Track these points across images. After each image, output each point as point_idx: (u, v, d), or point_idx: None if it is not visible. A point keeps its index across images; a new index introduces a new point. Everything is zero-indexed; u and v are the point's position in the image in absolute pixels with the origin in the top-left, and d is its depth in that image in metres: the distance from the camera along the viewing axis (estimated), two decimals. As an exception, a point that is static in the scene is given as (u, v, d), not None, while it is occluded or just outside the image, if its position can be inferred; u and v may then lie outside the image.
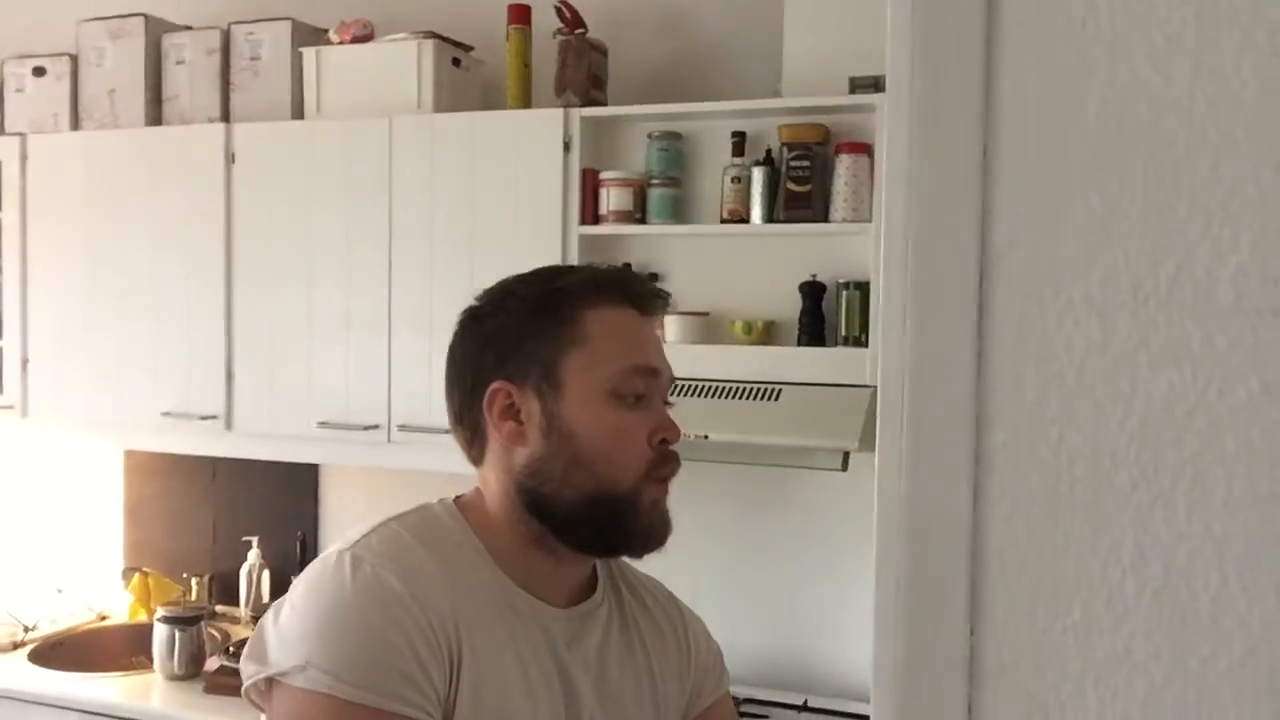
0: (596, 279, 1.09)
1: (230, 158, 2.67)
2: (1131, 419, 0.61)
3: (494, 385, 1.06)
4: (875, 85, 2.19)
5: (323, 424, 2.57)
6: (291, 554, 2.86)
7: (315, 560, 1.04)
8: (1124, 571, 0.62)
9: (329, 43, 2.66)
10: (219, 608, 2.96)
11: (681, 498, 1.10)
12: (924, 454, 0.66)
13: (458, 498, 1.12)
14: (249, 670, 0.99)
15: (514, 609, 1.05)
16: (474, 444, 1.10)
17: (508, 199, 2.44)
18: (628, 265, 1.15)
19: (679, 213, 2.43)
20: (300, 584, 1.02)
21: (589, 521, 1.05)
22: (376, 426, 2.53)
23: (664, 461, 1.06)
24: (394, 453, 2.55)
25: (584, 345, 1.05)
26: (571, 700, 1.07)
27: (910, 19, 0.66)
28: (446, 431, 2.42)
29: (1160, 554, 0.61)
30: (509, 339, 1.06)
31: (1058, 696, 0.64)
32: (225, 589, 2.98)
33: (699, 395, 2.27)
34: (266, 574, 2.90)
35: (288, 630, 0.98)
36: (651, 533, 1.06)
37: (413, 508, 1.09)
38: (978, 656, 0.66)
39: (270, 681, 0.97)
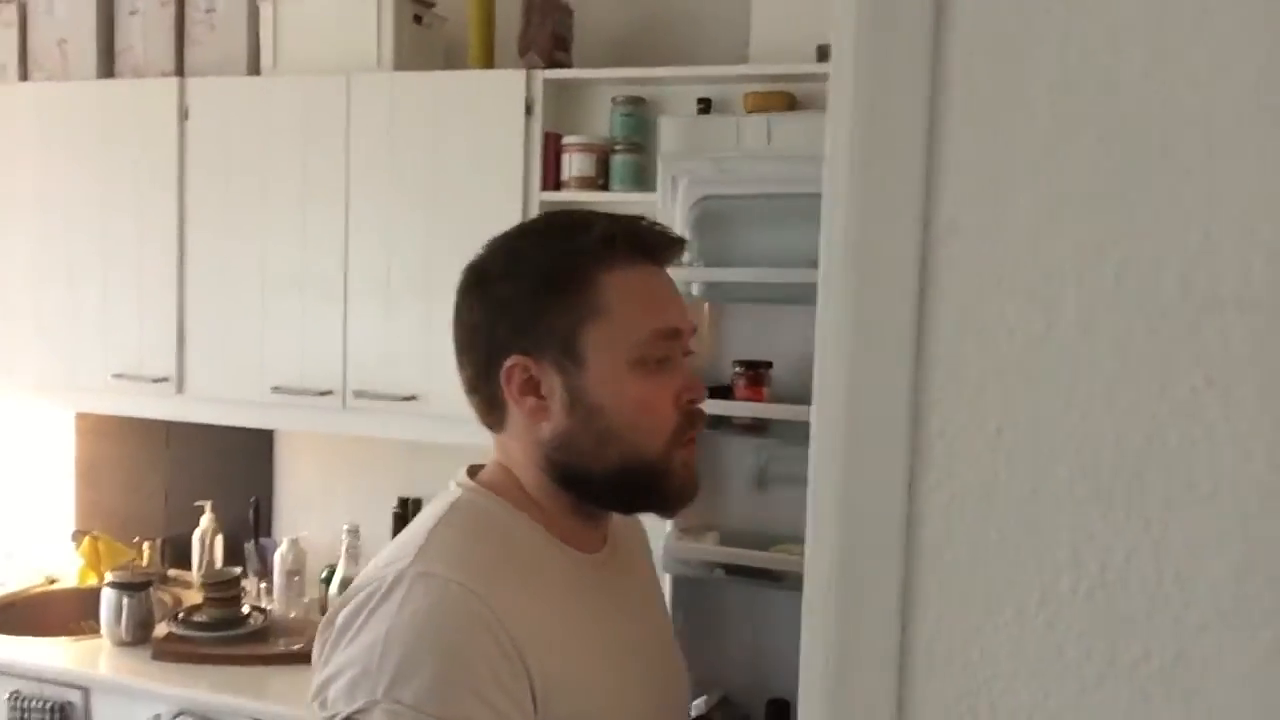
0: (611, 236, 1.01)
1: (184, 113, 2.60)
2: (1072, 412, 0.59)
3: (510, 360, 1.00)
4: (842, 54, 2.15)
5: (276, 389, 2.53)
6: (245, 519, 2.82)
7: (364, 584, 0.96)
8: (1059, 569, 0.60)
9: (287, -4, 2.59)
10: (171, 572, 2.92)
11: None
12: (859, 442, 0.64)
13: (474, 475, 1.07)
14: (318, 714, 0.93)
15: (580, 572, 1.05)
16: (491, 413, 1.05)
17: (468, 162, 2.40)
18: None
19: (643, 180, 2.40)
20: (354, 610, 0.95)
21: (623, 489, 1.03)
22: (331, 393, 2.49)
23: (692, 422, 1.03)
24: (350, 419, 2.51)
25: (604, 314, 0.99)
26: (628, 636, 1.08)
27: (856, -11, 0.63)
28: (403, 399, 2.42)
29: (1096, 552, 0.59)
30: (523, 310, 1.00)
31: (989, 695, 0.62)
32: (178, 553, 2.94)
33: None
34: (219, 539, 2.86)
35: (350, 664, 0.92)
36: (684, 492, 1.04)
37: (446, 507, 1.04)
38: (908, 652, 0.64)
39: None
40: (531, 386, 1.01)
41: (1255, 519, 0.55)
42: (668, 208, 2.04)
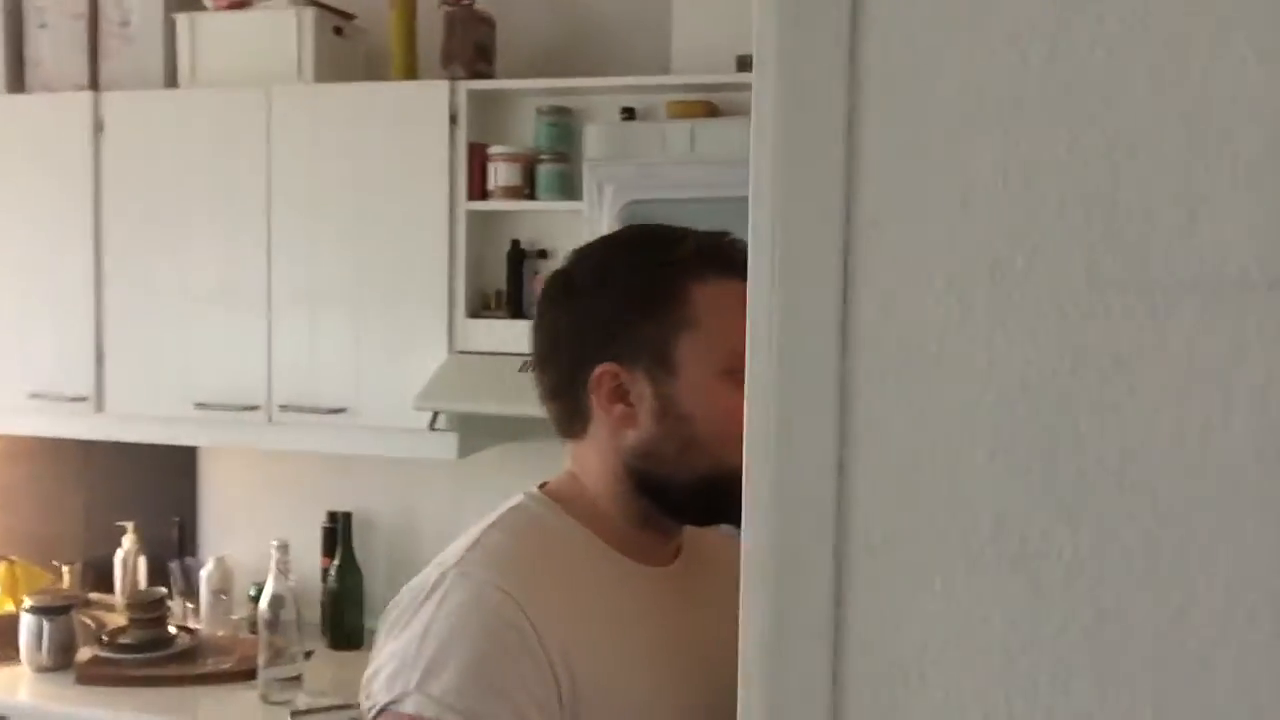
0: (701, 252, 1.04)
1: (98, 127, 2.56)
2: (989, 394, 0.62)
3: (601, 368, 1.02)
4: (762, 64, 2.20)
5: (200, 405, 2.49)
6: (168, 539, 2.77)
7: (417, 582, 1.01)
8: (982, 542, 0.63)
9: (204, 8, 2.56)
10: (93, 595, 2.85)
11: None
12: (791, 433, 0.66)
13: (543, 486, 1.09)
14: (364, 704, 0.99)
15: (634, 583, 1.05)
16: (573, 421, 1.06)
17: (393, 173, 2.39)
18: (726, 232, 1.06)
19: (568, 189, 2.41)
20: (403, 608, 0.99)
21: (704, 499, 1.03)
22: (256, 407, 2.46)
23: None
24: (275, 434, 2.48)
25: (696, 326, 1.01)
26: (689, 652, 1.05)
27: (777, -6, 0.66)
28: (329, 411, 2.41)
29: (1016, 526, 0.62)
30: (615, 320, 1.03)
31: (919, 665, 0.64)
32: (99, 576, 2.87)
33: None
34: (143, 560, 2.80)
35: (392, 657, 0.96)
36: None
37: (505, 510, 1.06)
38: (842, 629, 0.66)
39: (382, 712, 0.96)
40: (620, 394, 1.02)
41: (1161, 489, 0.59)
42: (594, 213, 2.06)
